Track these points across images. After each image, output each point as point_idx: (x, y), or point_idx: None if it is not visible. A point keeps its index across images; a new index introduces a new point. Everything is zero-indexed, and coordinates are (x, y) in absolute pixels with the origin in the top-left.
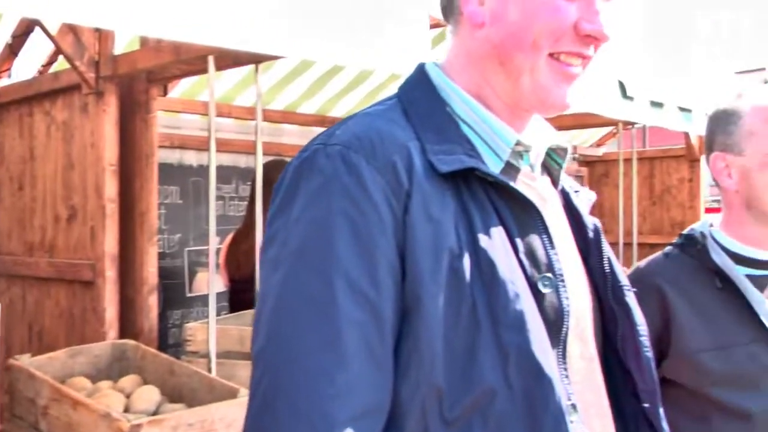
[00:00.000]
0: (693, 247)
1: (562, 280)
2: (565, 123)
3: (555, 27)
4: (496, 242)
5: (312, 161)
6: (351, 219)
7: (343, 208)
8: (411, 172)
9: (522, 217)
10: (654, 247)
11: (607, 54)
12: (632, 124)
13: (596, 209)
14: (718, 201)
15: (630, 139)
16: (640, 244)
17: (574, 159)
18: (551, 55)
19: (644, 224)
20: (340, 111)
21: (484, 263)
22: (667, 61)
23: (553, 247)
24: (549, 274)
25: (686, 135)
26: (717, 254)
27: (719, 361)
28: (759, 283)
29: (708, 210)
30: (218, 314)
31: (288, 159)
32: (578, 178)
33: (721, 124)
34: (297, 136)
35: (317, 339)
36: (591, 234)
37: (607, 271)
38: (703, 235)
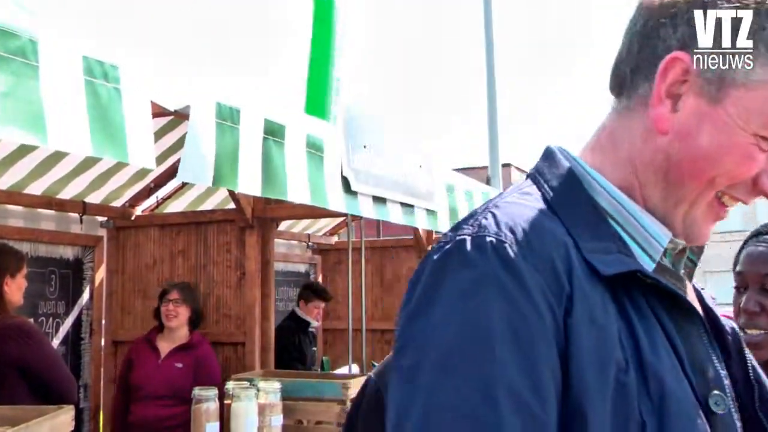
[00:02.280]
0: None
1: (732, 399)
2: (297, 213)
3: (740, 173)
4: (661, 355)
5: (459, 253)
6: (510, 323)
7: (501, 309)
8: (571, 272)
9: (683, 324)
10: (384, 333)
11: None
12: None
13: (333, 295)
14: None
15: (363, 229)
16: (370, 330)
17: (308, 247)
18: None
19: (375, 311)
20: (70, 193)
21: (651, 379)
22: (386, 160)
23: (720, 360)
24: (718, 392)
25: (415, 228)
26: None
27: None
28: None
29: None
30: None
31: (9, 243)
32: (312, 265)
33: None
34: (22, 219)
35: None
36: (729, 338)
37: (753, 380)
38: None
